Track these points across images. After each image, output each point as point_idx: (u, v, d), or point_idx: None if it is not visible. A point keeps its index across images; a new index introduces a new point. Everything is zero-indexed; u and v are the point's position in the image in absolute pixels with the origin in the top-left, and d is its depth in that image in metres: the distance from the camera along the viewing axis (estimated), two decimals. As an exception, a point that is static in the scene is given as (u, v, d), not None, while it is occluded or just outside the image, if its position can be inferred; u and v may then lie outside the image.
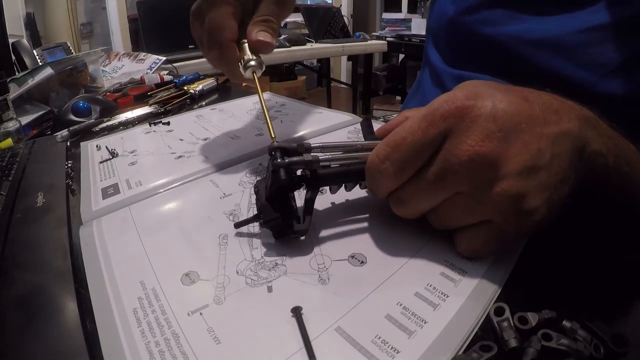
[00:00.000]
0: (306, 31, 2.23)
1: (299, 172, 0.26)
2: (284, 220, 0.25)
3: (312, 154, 0.26)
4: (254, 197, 0.32)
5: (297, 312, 0.21)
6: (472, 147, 0.19)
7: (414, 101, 0.56)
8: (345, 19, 2.48)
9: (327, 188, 0.29)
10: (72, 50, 1.11)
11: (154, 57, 1.03)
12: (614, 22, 0.32)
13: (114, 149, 0.46)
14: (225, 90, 0.78)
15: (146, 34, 1.68)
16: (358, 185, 0.29)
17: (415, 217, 0.24)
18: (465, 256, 0.24)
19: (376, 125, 0.33)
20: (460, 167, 0.19)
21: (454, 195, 0.21)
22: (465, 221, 0.22)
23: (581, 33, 0.34)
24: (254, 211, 0.30)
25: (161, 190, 0.35)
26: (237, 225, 0.28)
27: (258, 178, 0.36)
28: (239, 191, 0.34)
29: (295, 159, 0.25)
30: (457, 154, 0.19)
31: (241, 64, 0.33)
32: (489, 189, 0.19)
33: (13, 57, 0.85)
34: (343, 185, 0.28)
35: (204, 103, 0.69)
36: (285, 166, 0.25)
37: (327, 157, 0.26)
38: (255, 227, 0.28)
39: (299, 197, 0.29)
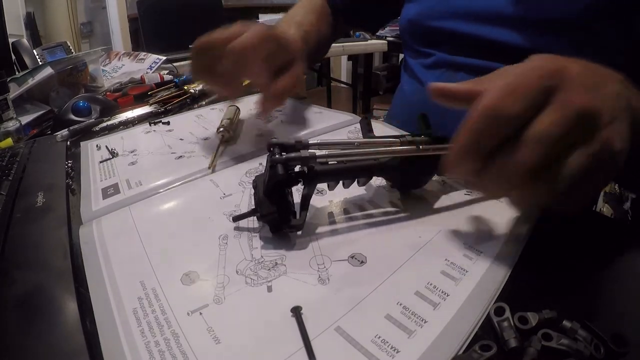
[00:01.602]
0: (306, 31, 2.22)
1: (296, 169, 0.26)
2: (280, 214, 0.26)
3: (309, 150, 0.26)
4: (253, 197, 0.33)
5: (296, 311, 0.21)
6: (582, 100, 0.20)
7: (397, 96, 0.61)
8: (346, 19, 2.47)
9: (326, 187, 0.29)
10: (72, 50, 1.11)
11: (154, 56, 1.02)
12: None
13: (114, 149, 0.46)
14: (225, 90, 0.78)
15: (146, 34, 1.68)
16: (356, 183, 0.29)
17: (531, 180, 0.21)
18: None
19: (375, 124, 0.33)
20: (577, 115, 0.20)
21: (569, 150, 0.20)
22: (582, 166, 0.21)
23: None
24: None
25: (161, 190, 0.35)
26: (235, 218, 0.28)
27: (257, 173, 0.36)
28: (239, 191, 0.34)
29: (292, 155, 0.26)
30: (570, 105, 0.20)
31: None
32: (591, 135, 0.20)
33: (13, 57, 0.85)
34: (341, 182, 0.29)
35: (204, 102, 0.69)
36: (283, 162, 0.25)
37: (324, 153, 0.26)
38: (255, 226, 0.28)
39: (297, 192, 0.29)
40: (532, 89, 0.20)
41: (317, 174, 0.26)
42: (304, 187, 0.27)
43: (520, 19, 0.40)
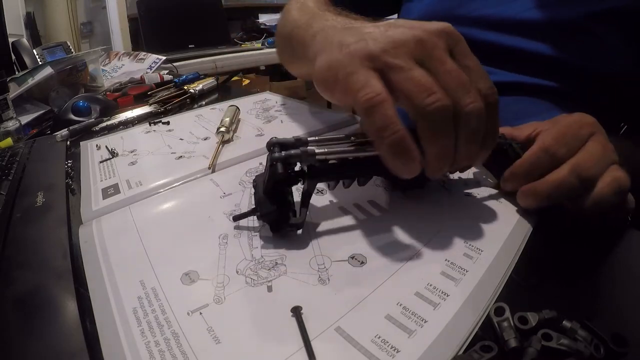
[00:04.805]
0: (306, 31, 2.22)
1: (296, 168, 0.26)
2: (280, 213, 0.26)
3: (309, 147, 0.26)
4: (254, 197, 0.33)
5: (296, 311, 0.21)
6: (607, 144, 0.28)
7: None
8: (346, 19, 2.46)
9: (327, 187, 0.29)
10: (72, 50, 1.11)
11: (154, 56, 1.03)
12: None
13: (114, 149, 0.46)
14: (225, 90, 0.78)
15: (146, 34, 1.68)
16: (357, 183, 0.29)
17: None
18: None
19: None
20: (605, 155, 0.27)
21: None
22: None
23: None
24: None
25: (161, 190, 0.35)
26: (236, 218, 0.28)
27: (257, 173, 0.36)
28: (239, 191, 0.34)
29: (292, 152, 0.26)
30: (606, 145, 0.27)
31: None
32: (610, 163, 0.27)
33: (13, 57, 0.85)
34: (341, 182, 0.29)
35: (204, 102, 0.69)
36: (283, 159, 0.25)
37: (323, 150, 0.26)
38: (255, 226, 0.28)
39: (297, 191, 0.29)
40: (576, 136, 0.27)
41: (317, 172, 0.26)
42: (304, 186, 0.27)
43: (534, 24, 0.41)
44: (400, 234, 0.27)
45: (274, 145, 0.26)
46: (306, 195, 0.27)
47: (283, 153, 0.25)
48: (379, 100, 0.21)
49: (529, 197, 0.28)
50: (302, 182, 0.26)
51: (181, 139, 0.47)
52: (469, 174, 0.35)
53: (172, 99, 0.67)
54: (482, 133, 0.23)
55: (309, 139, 0.27)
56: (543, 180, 0.27)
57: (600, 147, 0.27)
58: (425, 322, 0.20)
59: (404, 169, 0.23)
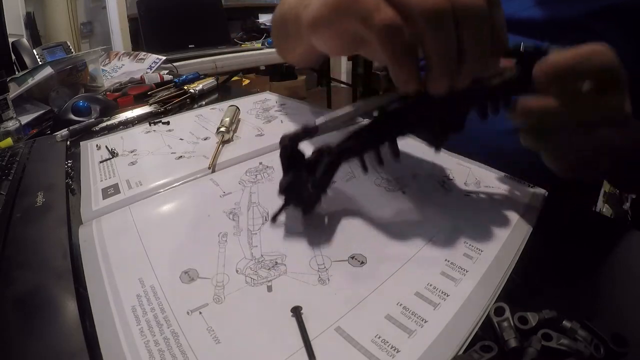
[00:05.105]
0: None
1: (314, 155, 0.27)
2: (299, 183, 0.27)
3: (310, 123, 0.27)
4: (253, 195, 0.33)
5: (296, 311, 0.21)
6: (626, 106, 0.26)
7: None
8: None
9: (362, 169, 0.29)
10: (72, 50, 1.11)
11: (154, 56, 1.03)
12: None
13: (114, 149, 0.46)
14: (225, 90, 0.78)
15: (146, 34, 1.68)
16: (392, 156, 0.28)
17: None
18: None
19: None
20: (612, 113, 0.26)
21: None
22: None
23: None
24: (253, 210, 0.30)
25: (161, 190, 0.35)
26: (273, 218, 0.29)
27: (257, 172, 0.38)
28: (239, 190, 0.34)
29: (298, 131, 0.27)
30: (623, 107, 0.26)
31: None
32: None
33: (13, 57, 0.85)
34: (376, 160, 0.28)
35: (204, 102, 0.69)
36: (290, 136, 0.26)
37: (323, 120, 0.27)
38: (254, 225, 0.28)
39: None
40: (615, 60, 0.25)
41: (335, 152, 0.27)
42: (327, 158, 0.27)
43: (533, 23, 0.41)
44: (400, 234, 0.27)
45: (285, 138, 0.27)
46: (330, 166, 0.27)
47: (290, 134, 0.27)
48: (399, 23, 0.21)
49: (521, 114, 0.26)
50: (325, 171, 0.27)
51: (181, 139, 0.47)
52: (469, 174, 0.35)
53: (172, 99, 0.66)
54: (486, 32, 0.22)
55: (316, 122, 0.28)
56: (539, 99, 0.25)
57: (617, 108, 0.25)
58: (425, 322, 0.20)
59: (414, 83, 0.23)
